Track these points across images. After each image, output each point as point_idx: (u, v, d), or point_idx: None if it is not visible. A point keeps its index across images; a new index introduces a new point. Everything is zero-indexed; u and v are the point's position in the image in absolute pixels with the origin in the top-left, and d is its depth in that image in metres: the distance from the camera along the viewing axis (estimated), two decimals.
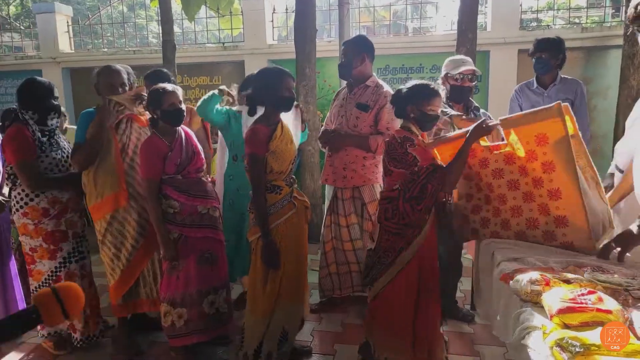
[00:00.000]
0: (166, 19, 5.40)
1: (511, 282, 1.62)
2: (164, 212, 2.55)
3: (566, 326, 1.33)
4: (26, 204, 2.67)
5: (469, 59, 3.10)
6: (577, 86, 3.38)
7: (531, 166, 2.07)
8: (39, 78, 2.78)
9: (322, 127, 3.29)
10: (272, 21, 6.37)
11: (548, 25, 6.07)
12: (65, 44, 7.04)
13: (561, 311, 1.35)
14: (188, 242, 2.59)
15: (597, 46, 5.36)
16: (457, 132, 2.36)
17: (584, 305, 1.34)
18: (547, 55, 3.31)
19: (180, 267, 2.59)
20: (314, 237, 4.04)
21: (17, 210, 2.69)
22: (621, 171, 2.27)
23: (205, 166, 2.80)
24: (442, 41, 5.60)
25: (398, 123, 3.07)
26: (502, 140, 2.19)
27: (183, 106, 2.63)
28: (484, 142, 2.21)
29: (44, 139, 2.69)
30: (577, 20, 6.49)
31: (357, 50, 3.00)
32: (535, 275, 1.56)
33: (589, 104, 5.37)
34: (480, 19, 5.74)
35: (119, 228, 2.70)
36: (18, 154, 2.57)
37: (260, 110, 2.49)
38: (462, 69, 2.94)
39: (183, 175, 2.60)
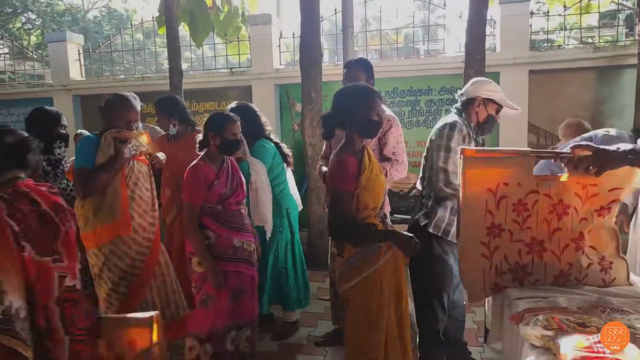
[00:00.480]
0: (173, 46, 5.43)
1: (520, 325, 1.47)
2: None
3: None
4: None
5: None
6: None
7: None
8: (47, 107, 2.79)
9: (319, 164, 3.17)
10: (279, 46, 6.37)
11: (559, 46, 5.95)
12: (76, 72, 7.13)
13: None
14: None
15: (611, 65, 5.22)
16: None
17: (601, 355, 1.19)
18: None
19: (213, 301, 2.48)
20: (322, 263, 3.92)
21: None
22: None
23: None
24: (451, 63, 5.52)
25: (403, 147, 2.97)
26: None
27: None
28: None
29: (49, 168, 2.66)
30: (590, 40, 6.35)
31: (359, 73, 2.95)
32: (547, 318, 1.41)
33: (604, 125, 5.20)
34: (489, 40, 5.67)
35: (116, 262, 2.58)
36: None
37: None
38: (510, 104, 2.53)
39: (224, 206, 2.53)
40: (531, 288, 1.85)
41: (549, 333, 1.35)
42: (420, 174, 2.63)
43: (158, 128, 4.01)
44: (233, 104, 3.31)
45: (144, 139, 2.75)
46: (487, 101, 2.46)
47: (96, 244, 2.56)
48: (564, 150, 1.88)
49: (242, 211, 2.66)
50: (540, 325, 1.38)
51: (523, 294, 1.76)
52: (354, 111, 2.04)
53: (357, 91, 2.10)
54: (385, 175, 2.76)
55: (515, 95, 5.26)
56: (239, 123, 2.57)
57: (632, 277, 1.92)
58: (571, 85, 5.30)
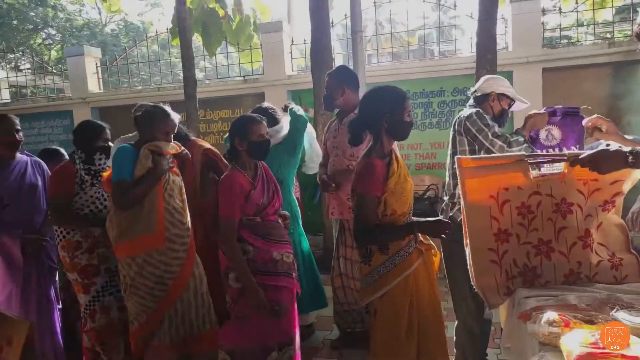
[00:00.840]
0: (186, 56, 5.53)
1: (528, 323, 1.47)
2: None
3: None
4: (64, 237, 2.73)
5: None
6: None
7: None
8: (92, 120, 2.94)
9: (319, 173, 3.21)
10: (291, 52, 6.44)
11: (573, 43, 5.88)
12: (94, 85, 7.32)
13: (581, 358, 1.19)
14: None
15: (627, 60, 5.14)
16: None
17: (606, 350, 1.19)
18: None
19: (249, 317, 2.34)
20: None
21: (57, 243, 2.77)
22: None
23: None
24: (463, 64, 5.50)
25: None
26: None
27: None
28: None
29: (87, 177, 2.75)
30: (608, 36, 6.24)
31: (336, 82, 2.99)
32: (553, 315, 1.41)
33: (621, 121, 5.12)
34: (502, 39, 5.63)
35: (152, 271, 2.56)
36: (53, 188, 2.75)
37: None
38: (521, 99, 2.67)
39: (262, 217, 2.40)
40: (541, 288, 1.84)
41: (556, 330, 1.35)
42: (447, 172, 2.62)
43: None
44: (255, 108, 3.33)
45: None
46: (501, 96, 2.58)
47: (129, 254, 2.56)
48: (559, 153, 1.89)
49: (280, 221, 2.53)
50: (546, 323, 1.38)
51: (532, 293, 1.75)
52: (384, 113, 1.99)
53: (386, 93, 2.04)
54: None
55: (530, 93, 5.22)
56: (264, 123, 2.43)
57: None
58: (586, 82, 5.23)
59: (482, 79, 2.69)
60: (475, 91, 2.64)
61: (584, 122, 2.10)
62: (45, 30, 17.36)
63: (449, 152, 2.60)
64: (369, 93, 2.09)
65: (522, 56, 5.35)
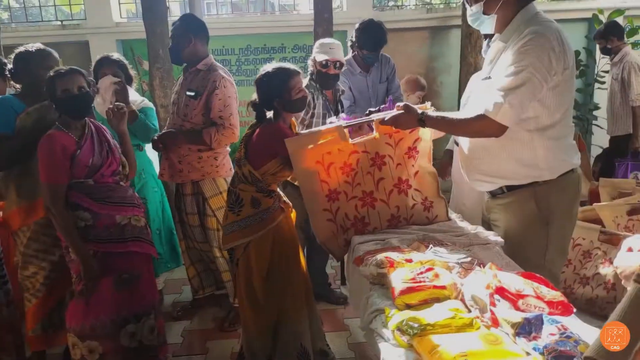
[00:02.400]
0: None
1: (360, 266, 1.66)
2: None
3: (408, 306, 1.39)
4: None
5: (337, 44, 2.96)
6: (388, 61, 3.60)
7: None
8: None
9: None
10: None
11: (399, 6, 6.38)
12: None
13: (402, 292, 1.40)
14: (105, 261, 2.16)
15: (441, 26, 5.79)
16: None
17: (422, 283, 1.41)
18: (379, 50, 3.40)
19: (92, 290, 2.15)
20: None
21: None
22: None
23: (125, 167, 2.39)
24: (303, 20, 5.59)
25: (232, 111, 2.78)
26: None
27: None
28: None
29: None
30: (427, 0, 6.89)
31: (183, 32, 2.75)
32: (381, 257, 1.61)
33: (436, 81, 5.83)
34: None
35: (44, 239, 2.36)
36: None
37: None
38: (327, 57, 2.83)
39: (96, 179, 2.19)
40: (371, 234, 2.08)
41: (383, 271, 1.55)
42: None
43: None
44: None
45: None
46: (314, 60, 2.88)
47: (25, 222, 2.37)
48: (367, 118, 2.14)
49: (122, 183, 2.34)
50: (375, 265, 1.58)
51: (363, 239, 1.98)
52: (274, 97, 2.12)
53: (272, 78, 2.13)
54: (210, 143, 2.71)
55: None
56: (75, 75, 2.15)
57: (451, 213, 2.27)
58: (409, 44, 5.76)
59: None
60: None
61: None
62: None
63: None
64: (261, 80, 2.17)
65: (356, 17, 5.62)
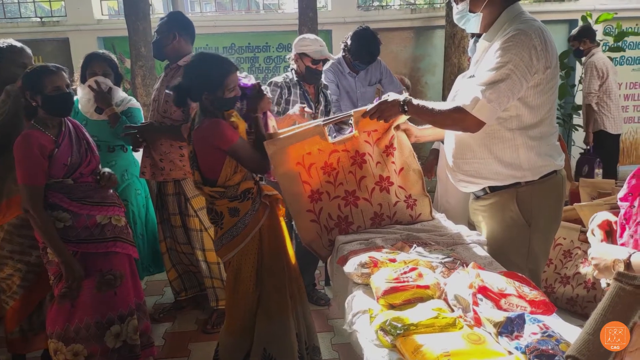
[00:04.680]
0: None
1: (344, 266, 1.64)
2: None
3: (391, 306, 1.38)
4: None
5: (322, 42, 2.98)
6: (378, 65, 3.63)
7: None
8: None
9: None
10: None
11: (383, 6, 6.39)
12: None
13: (386, 292, 1.40)
14: (86, 262, 2.13)
15: (426, 26, 5.82)
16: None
17: (405, 283, 1.40)
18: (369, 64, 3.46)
19: (76, 293, 2.12)
20: None
21: None
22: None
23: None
24: (288, 19, 5.57)
25: None
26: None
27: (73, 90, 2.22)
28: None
29: None
30: (412, 1, 6.91)
31: (168, 27, 2.74)
32: (364, 258, 1.60)
33: (420, 81, 5.86)
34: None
35: (19, 240, 2.31)
36: None
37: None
38: (323, 54, 2.89)
39: (74, 178, 2.15)
40: (355, 233, 2.07)
41: (367, 271, 1.54)
42: None
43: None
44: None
45: None
46: (302, 55, 2.90)
47: (4, 219, 2.32)
48: (346, 113, 2.14)
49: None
50: (359, 265, 1.57)
51: (347, 239, 1.97)
52: (202, 91, 1.97)
53: (213, 67, 1.98)
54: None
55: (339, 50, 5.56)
56: (62, 73, 2.14)
57: (435, 213, 2.27)
58: (393, 43, 5.78)
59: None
60: None
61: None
62: None
63: None
64: (196, 66, 2.02)
65: (340, 16, 5.64)
